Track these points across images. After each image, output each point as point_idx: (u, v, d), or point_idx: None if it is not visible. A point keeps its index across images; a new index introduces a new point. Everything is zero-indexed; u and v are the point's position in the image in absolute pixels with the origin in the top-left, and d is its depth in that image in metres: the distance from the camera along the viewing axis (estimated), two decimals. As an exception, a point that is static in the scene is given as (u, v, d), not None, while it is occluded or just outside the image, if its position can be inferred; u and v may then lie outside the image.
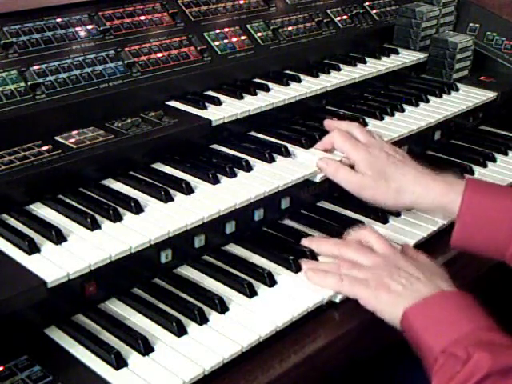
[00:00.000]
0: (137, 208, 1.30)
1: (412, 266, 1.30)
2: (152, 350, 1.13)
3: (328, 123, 1.66)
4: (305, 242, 1.43)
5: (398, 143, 1.70)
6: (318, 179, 1.52)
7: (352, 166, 1.51)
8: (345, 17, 2.16)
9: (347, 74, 1.92)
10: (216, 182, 1.42)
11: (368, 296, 1.25)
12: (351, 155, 1.51)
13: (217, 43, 1.80)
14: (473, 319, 1.16)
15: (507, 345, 1.11)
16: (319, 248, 1.41)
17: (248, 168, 1.49)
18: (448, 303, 1.20)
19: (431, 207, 1.46)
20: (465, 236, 1.38)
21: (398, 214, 1.59)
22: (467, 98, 2.01)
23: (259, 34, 1.90)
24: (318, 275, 1.32)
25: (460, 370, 1.07)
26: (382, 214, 1.57)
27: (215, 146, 1.62)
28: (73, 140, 1.40)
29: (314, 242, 1.43)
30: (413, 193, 1.44)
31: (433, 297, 1.20)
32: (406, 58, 2.12)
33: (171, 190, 1.37)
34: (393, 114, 1.85)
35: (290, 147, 1.59)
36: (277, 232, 1.52)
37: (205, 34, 1.80)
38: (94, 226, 1.24)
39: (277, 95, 1.73)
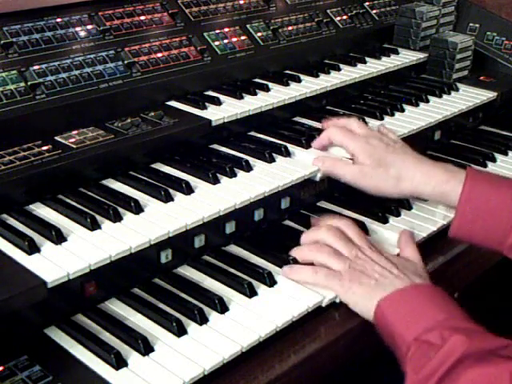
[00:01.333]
0: (137, 208, 1.30)
1: (386, 260, 1.30)
2: (152, 350, 1.13)
3: (326, 123, 1.66)
4: (292, 252, 1.39)
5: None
6: (317, 178, 1.52)
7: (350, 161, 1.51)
8: (345, 17, 2.16)
9: (347, 74, 1.92)
10: (216, 182, 1.42)
11: (341, 289, 1.27)
12: (350, 146, 1.50)
13: (217, 43, 1.80)
14: (446, 309, 1.16)
15: (480, 331, 1.11)
16: (303, 240, 1.39)
17: (248, 168, 1.49)
18: (421, 294, 1.21)
19: (431, 195, 1.44)
20: (464, 225, 1.37)
21: (397, 214, 1.59)
22: (467, 98, 2.01)
23: (259, 34, 1.90)
24: (293, 269, 1.32)
25: (434, 354, 1.07)
26: (382, 214, 1.57)
27: (215, 146, 1.62)
28: (73, 140, 1.40)
29: (301, 245, 1.41)
30: (413, 180, 1.43)
31: (405, 288, 1.21)
32: (406, 57, 2.12)
33: (171, 190, 1.37)
34: (393, 114, 1.85)
35: (290, 147, 1.59)
36: (277, 232, 1.52)
37: (205, 34, 1.80)
38: (94, 226, 1.24)
39: (277, 95, 1.73)
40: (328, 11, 2.13)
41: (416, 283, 1.24)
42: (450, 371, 1.05)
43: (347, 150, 1.51)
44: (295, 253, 1.37)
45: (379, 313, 1.20)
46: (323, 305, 1.29)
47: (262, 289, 1.30)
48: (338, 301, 1.30)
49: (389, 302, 1.20)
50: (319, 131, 1.66)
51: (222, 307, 1.23)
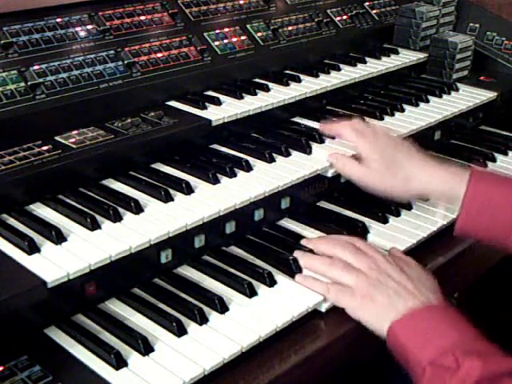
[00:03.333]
0: (137, 208, 1.30)
1: (401, 272, 1.29)
2: (152, 350, 1.13)
3: (324, 126, 1.66)
4: (303, 242, 1.43)
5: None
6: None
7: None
8: (345, 17, 2.16)
9: (347, 74, 1.92)
10: (216, 182, 1.42)
11: (353, 307, 1.25)
12: (358, 146, 1.52)
13: (217, 43, 1.80)
14: (459, 330, 1.16)
15: (494, 353, 1.11)
16: (316, 248, 1.40)
17: (248, 168, 1.49)
18: (433, 316, 1.20)
19: (438, 195, 1.48)
20: (468, 223, 1.38)
21: (397, 214, 1.59)
22: (467, 97, 2.01)
23: (259, 34, 1.90)
24: (307, 281, 1.32)
25: (450, 379, 1.07)
26: (382, 214, 1.57)
27: (215, 146, 1.62)
28: (73, 140, 1.40)
29: (312, 242, 1.43)
30: (420, 181, 1.45)
31: (418, 310, 1.20)
32: (406, 57, 2.12)
33: (171, 190, 1.37)
34: (393, 114, 1.85)
35: (290, 147, 1.59)
36: (277, 232, 1.52)
37: (205, 34, 1.80)
38: (94, 225, 1.24)
39: (277, 95, 1.73)
40: (328, 11, 2.13)
41: (429, 303, 1.22)
42: None
43: (357, 147, 1.52)
44: (305, 262, 1.36)
45: (392, 334, 1.18)
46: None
47: (261, 289, 1.30)
48: (337, 301, 1.30)
49: (401, 323, 1.18)
50: (319, 131, 1.66)
51: (222, 307, 1.23)
